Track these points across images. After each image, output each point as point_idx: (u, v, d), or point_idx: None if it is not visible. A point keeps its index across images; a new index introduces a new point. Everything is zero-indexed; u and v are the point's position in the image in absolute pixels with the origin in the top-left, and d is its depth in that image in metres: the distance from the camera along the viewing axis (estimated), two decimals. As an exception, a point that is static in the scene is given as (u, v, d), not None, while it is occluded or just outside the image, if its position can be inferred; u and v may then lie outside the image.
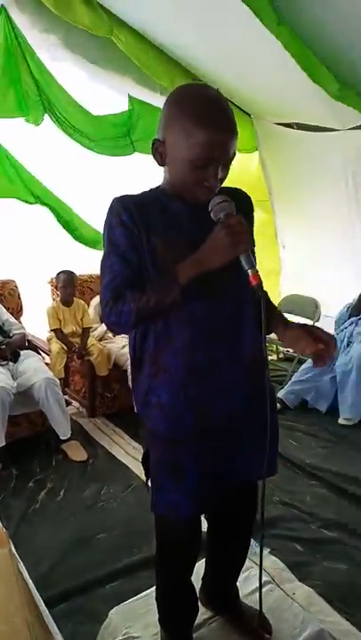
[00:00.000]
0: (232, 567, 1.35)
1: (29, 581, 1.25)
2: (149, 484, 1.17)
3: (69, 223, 3.39)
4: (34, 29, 2.89)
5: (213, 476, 1.12)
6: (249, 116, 4.00)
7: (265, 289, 1.02)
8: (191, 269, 0.98)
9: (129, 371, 1.45)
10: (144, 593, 1.41)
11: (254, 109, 3.92)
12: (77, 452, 2.77)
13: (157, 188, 1.13)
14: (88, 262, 3.76)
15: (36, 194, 3.21)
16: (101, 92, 3.27)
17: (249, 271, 0.96)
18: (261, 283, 0.96)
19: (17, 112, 2.89)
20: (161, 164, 1.07)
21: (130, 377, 1.20)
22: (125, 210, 1.04)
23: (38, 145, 3.16)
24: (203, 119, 0.97)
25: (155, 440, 1.12)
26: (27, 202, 3.21)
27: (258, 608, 1.34)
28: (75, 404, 3.47)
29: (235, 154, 1.03)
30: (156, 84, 3.38)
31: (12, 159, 3.09)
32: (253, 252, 1.00)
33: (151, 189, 1.14)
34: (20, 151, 3.12)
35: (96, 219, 3.40)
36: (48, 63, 2.99)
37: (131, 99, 3.34)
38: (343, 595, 1.84)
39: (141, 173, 3.42)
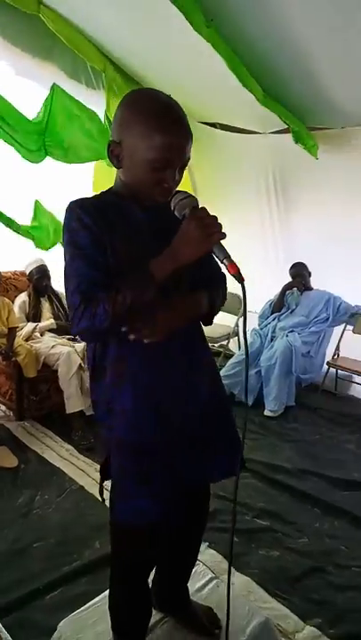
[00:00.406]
0: (185, 569, 1.38)
1: None
2: (106, 491, 1.16)
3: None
4: None
5: (178, 479, 1.13)
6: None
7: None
8: (165, 265, 0.98)
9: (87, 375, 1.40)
10: (92, 602, 1.40)
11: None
12: (7, 459, 2.67)
13: (110, 190, 1.12)
14: (12, 258, 3.61)
15: None
16: (30, 88, 3.11)
17: (225, 261, 0.96)
18: (240, 270, 0.96)
19: None
20: (117, 166, 1.06)
21: (88, 383, 1.17)
22: (86, 213, 1.02)
23: None
24: (162, 123, 0.98)
25: (119, 448, 1.12)
26: None
27: (205, 605, 1.40)
28: (1, 407, 3.32)
29: (189, 158, 1.05)
30: (81, 75, 3.28)
31: None
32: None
33: (104, 192, 1.12)
34: None
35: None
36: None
37: (54, 88, 3.19)
38: (277, 580, 1.95)
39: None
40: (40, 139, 2.97)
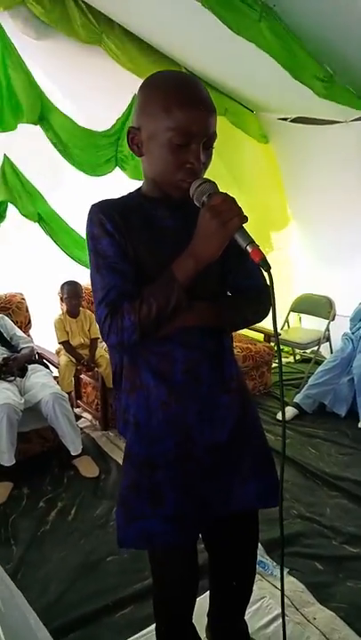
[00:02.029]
0: (237, 600, 1.25)
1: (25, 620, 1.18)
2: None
3: (64, 241, 3.34)
4: (27, 38, 2.86)
5: (197, 504, 1.03)
6: (252, 112, 3.89)
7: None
8: (187, 265, 0.90)
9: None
10: (147, 630, 1.34)
11: (257, 106, 3.81)
12: (89, 468, 2.71)
13: (137, 191, 1.06)
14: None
15: (38, 210, 3.16)
16: (100, 106, 3.21)
17: (248, 247, 0.86)
18: (265, 257, 0.86)
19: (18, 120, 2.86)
20: (139, 154, 1.00)
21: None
22: (108, 218, 0.96)
23: (30, 157, 3.11)
24: (178, 95, 0.91)
25: (130, 462, 1.04)
26: (27, 217, 3.15)
27: (270, 645, 1.25)
28: (87, 416, 3.41)
29: (215, 134, 0.95)
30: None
31: (19, 171, 3.04)
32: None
33: (130, 193, 1.06)
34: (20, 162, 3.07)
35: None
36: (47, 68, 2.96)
37: (135, 98, 3.26)
38: (368, 618, 1.73)
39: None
40: (112, 150, 3.02)
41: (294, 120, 3.71)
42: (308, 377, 3.47)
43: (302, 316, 4.29)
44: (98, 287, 0.95)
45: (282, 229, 4.30)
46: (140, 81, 0.99)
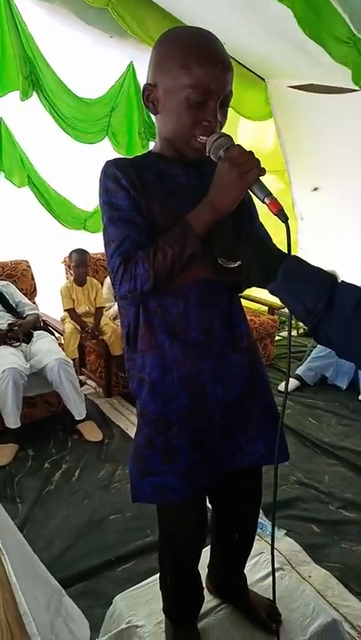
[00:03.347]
0: (238, 553, 1.30)
1: (33, 567, 1.23)
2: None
3: (54, 207, 3.32)
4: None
5: (208, 459, 1.06)
6: (263, 80, 3.80)
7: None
8: (203, 215, 0.90)
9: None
10: (149, 579, 1.38)
11: (268, 71, 3.72)
12: (93, 433, 2.76)
13: (150, 152, 1.05)
14: (102, 241, 3.70)
15: (28, 175, 3.14)
16: (105, 56, 3.14)
17: (265, 199, 0.86)
18: (282, 208, 0.86)
19: (12, 87, 2.80)
20: (154, 112, 0.99)
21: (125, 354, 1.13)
22: (123, 173, 0.95)
23: (26, 123, 3.07)
24: (197, 52, 0.90)
25: (144, 420, 1.07)
26: (13, 183, 3.13)
27: (267, 596, 1.31)
28: (91, 383, 3.46)
29: (231, 93, 0.95)
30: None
31: (12, 137, 3.02)
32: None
33: (144, 154, 1.06)
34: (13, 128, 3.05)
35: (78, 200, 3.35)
36: (48, 31, 2.88)
37: (130, 67, 3.20)
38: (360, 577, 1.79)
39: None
40: (105, 120, 2.99)
41: (305, 88, 3.63)
42: (311, 350, 3.50)
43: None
44: (112, 238, 0.94)
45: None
46: (142, 48, 0.97)
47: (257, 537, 1.92)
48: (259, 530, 1.97)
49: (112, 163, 0.98)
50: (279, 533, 1.99)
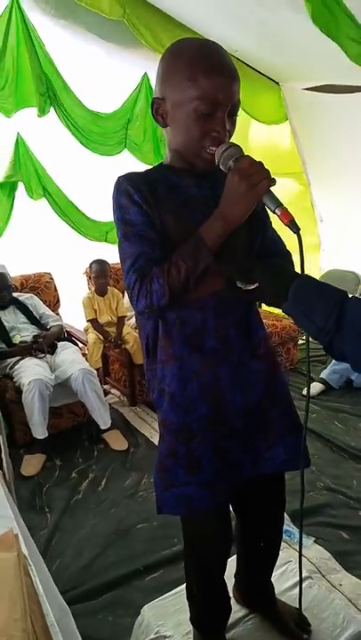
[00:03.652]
0: (264, 562, 1.29)
1: (46, 584, 1.24)
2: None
3: (73, 219, 3.37)
4: (47, 15, 2.85)
5: (230, 467, 1.06)
6: (277, 84, 3.80)
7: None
8: (215, 227, 0.91)
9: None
10: (177, 589, 1.39)
11: (282, 75, 3.72)
12: (118, 442, 2.78)
13: (162, 164, 1.07)
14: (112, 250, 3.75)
15: (44, 187, 3.19)
16: (119, 69, 3.19)
17: (276, 210, 0.86)
18: (294, 219, 0.86)
19: (28, 103, 2.87)
20: (163, 124, 1.00)
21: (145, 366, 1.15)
22: (135, 189, 0.97)
23: (45, 137, 3.13)
24: (203, 63, 0.91)
25: (166, 430, 1.08)
26: (31, 196, 3.19)
27: (295, 606, 1.29)
28: (115, 392, 3.49)
29: (239, 102, 0.95)
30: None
31: (30, 151, 3.09)
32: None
33: (156, 167, 1.07)
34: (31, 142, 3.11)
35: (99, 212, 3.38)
36: (63, 46, 2.94)
37: (144, 79, 3.24)
38: (393, 585, 1.75)
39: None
40: (122, 132, 3.03)
41: (321, 89, 3.61)
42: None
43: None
44: (127, 255, 0.96)
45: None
46: (156, 58, 0.98)
47: (285, 545, 1.92)
48: (287, 537, 1.95)
49: (124, 178, 0.99)
50: (308, 541, 1.97)
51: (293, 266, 1.07)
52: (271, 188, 0.88)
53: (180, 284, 0.91)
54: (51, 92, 2.89)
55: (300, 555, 1.06)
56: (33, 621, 0.76)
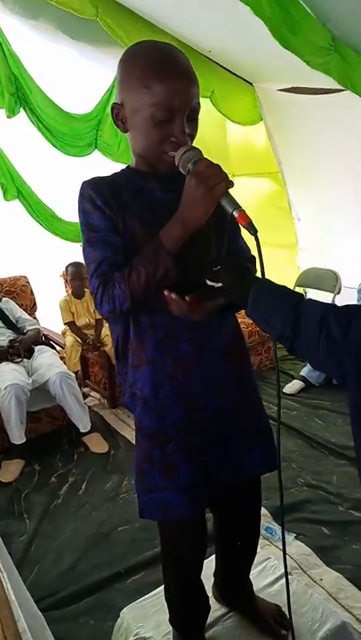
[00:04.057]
0: (242, 560, 1.29)
1: (18, 592, 1.21)
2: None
3: (45, 219, 3.34)
4: (16, 15, 2.81)
5: (207, 473, 1.06)
6: (251, 85, 3.82)
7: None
8: (174, 231, 0.90)
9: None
10: (156, 591, 1.37)
11: (256, 76, 3.74)
12: (98, 444, 2.76)
13: (128, 167, 1.06)
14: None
15: (18, 188, 3.16)
16: (91, 70, 3.18)
17: (234, 212, 0.86)
18: (251, 221, 0.86)
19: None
20: (124, 130, 0.99)
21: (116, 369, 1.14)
22: (98, 194, 0.96)
23: (17, 138, 3.10)
24: (157, 69, 0.90)
25: (142, 435, 1.07)
26: (4, 197, 3.15)
27: (274, 602, 1.29)
28: (95, 395, 3.46)
29: (199, 106, 0.95)
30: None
31: (1, 152, 3.05)
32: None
33: (122, 170, 1.06)
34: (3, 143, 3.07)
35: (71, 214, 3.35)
36: (35, 47, 2.92)
37: (115, 81, 3.23)
38: (373, 578, 1.77)
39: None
40: (92, 133, 3.01)
41: (294, 90, 3.64)
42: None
43: (308, 290, 4.28)
44: (90, 260, 0.96)
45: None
46: None
47: (267, 542, 1.92)
48: (268, 535, 1.96)
49: (87, 183, 0.99)
50: (289, 537, 1.97)
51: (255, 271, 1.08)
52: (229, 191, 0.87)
53: (141, 288, 0.90)
54: (20, 93, 2.86)
55: (285, 553, 1.05)
56: (4, 627, 0.75)
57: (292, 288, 3.18)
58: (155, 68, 0.90)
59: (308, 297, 4.03)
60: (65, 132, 3.11)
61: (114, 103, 0.98)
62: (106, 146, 3.29)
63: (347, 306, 0.81)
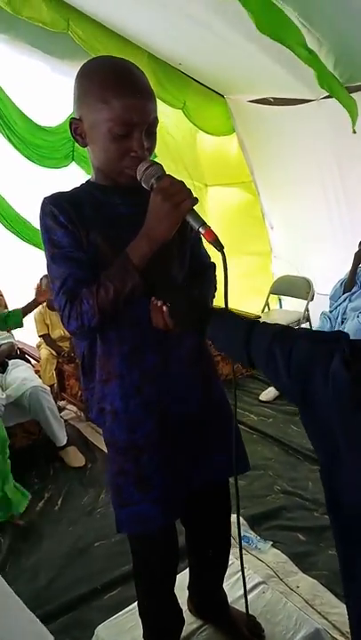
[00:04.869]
0: (214, 570, 1.29)
1: None
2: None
3: (20, 231, 3.33)
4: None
5: (180, 481, 1.07)
6: (222, 97, 3.88)
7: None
8: (141, 247, 0.91)
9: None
10: (130, 607, 1.37)
11: (226, 88, 3.80)
12: (75, 458, 2.73)
13: (87, 182, 1.07)
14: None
15: None
16: (63, 83, 3.18)
17: (200, 229, 0.88)
18: (217, 237, 0.88)
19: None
20: (83, 144, 1.00)
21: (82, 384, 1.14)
22: (60, 209, 0.96)
23: None
24: (114, 85, 0.91)
25: (114, 450, 1.07)
26: None
27: (251, 612, 1.30)
28: (72, 408, 3.43)
29: (157, 120, 0.96)
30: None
31: None
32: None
33: (82, 185, 1.07)
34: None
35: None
36: (6, 61, 2.91)
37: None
38: (348, 583, 1.78)
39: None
40: (68, 145, 3.02)
41: (264, 101, 3.71)
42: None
43: (282, 297, 4.34)
44: (55, 276, 0.96)
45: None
46: None
47: (243, 551, 1.92)
48: (244, 543, 1.96)
49: (48, 200, 0.99)
50: (265, 545, 1.98)
51: (215, 279, 1.13)
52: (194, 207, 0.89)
53: (110, 304, 0.91)
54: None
55: (243, 563, 1.07)
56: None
57: (266, 295, 3.18)
58: (112, 83, 0.91)
59: (283, 304, 4.06)
60: (40, 145, 3.11)
61: (72, 118, 0.99)
62: (83, 158, 3.29)
63: (291, 330, 0.86)
